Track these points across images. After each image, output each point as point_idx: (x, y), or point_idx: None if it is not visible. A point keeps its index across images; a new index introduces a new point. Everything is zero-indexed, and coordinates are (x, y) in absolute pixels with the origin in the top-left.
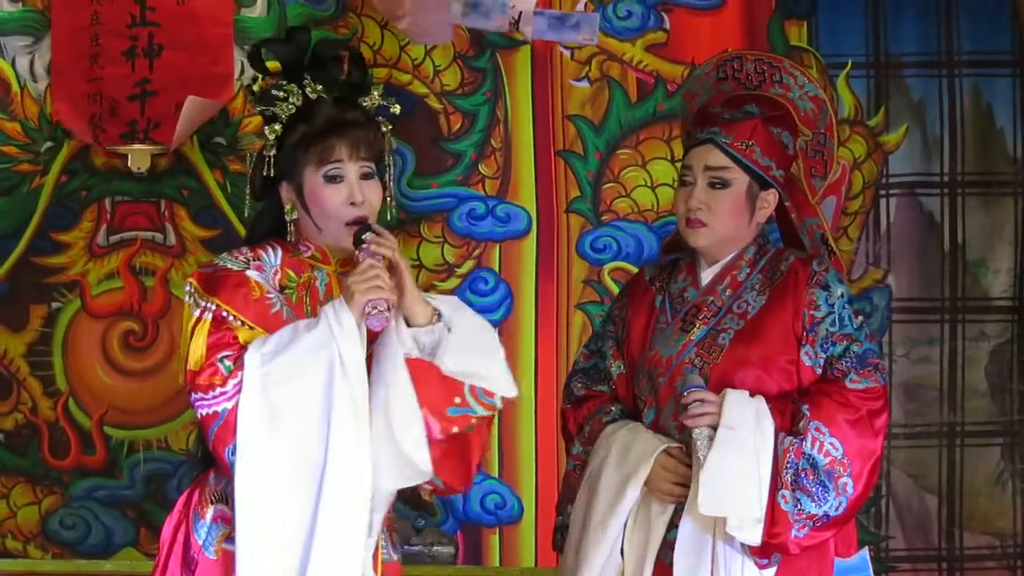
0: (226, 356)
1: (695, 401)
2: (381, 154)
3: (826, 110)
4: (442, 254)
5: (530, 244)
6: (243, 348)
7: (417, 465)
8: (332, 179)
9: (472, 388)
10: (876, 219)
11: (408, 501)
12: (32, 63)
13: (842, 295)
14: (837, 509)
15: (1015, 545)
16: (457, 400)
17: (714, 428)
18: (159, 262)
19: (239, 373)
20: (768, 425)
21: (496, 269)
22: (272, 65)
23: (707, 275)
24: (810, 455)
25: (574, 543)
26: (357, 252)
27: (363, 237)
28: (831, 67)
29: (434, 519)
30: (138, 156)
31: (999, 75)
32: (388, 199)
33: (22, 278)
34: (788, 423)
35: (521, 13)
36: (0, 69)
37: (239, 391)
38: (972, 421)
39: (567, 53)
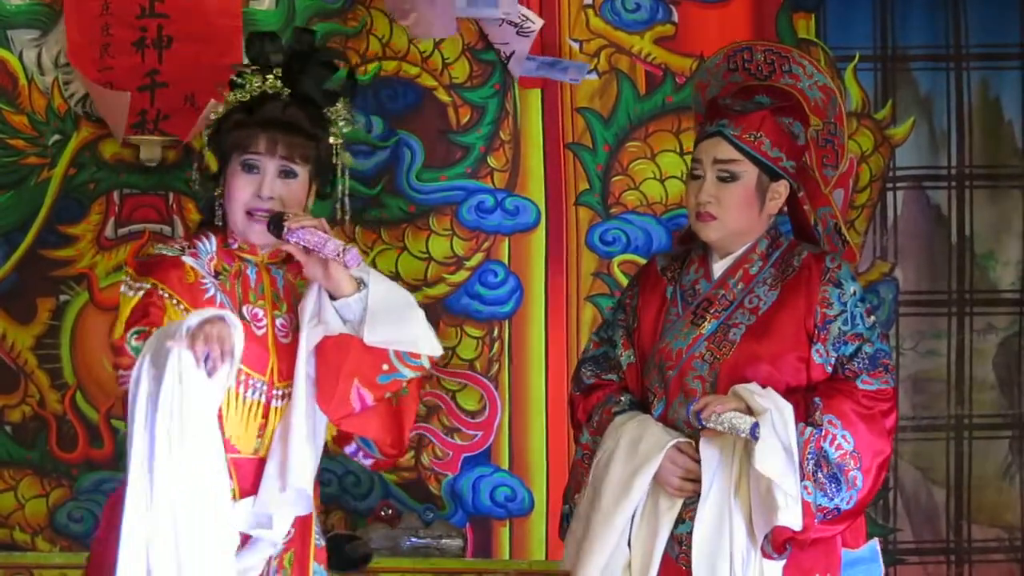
0: (135, 335)
1: (705, 405)
2: (317, 162)
3: (835, 99)
4: (451, 247)
5: (539, 237)
6: (136, 326)
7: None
8: (248, 168)
9: (397, 353)
10: (883, 212)
11: (415, 494)
12: (39, 56)
13: (855, 293)
14: (848, 503)
15: (1023, 538)
16: (385, 367)
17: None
18: None
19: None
20: (789, 414)
21: (506, 262)
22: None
23: (719, 268)
24: (823, 447)
25: (577, 534)
26: (282, 239)
27: (283, 223)
28: (839, 60)
29: (443, 512)
30: (148, 147)
31: (1007, 68)
32: (339, 210)
33: (30, 271)
34: (803, 414)
35: (514, 52)
36: (7, 62)
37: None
38: (980, 414)
39: (576, 45)
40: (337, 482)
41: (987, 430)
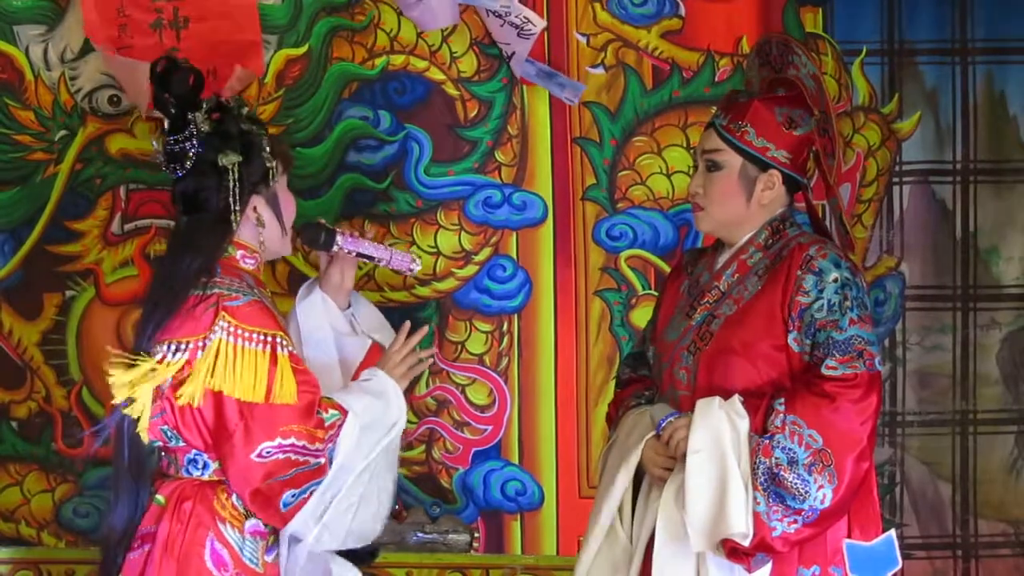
0: (319, 407)
1: (669, 436)
2: None
3: (821, 87)
4: (459, 241)
5: (547, 232)
6: (317, 394)
7: None
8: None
9: None
10: (890, 207)
11: (426, 488)
12: (46, 52)
13: (835, 280)
14: (823, 502)
15: None
16: None
17: None
18: None
19: (330, 433)
20: (744, 427)
21: (514, 256)
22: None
23: (721, 260)
24: (790, 449)
25: None
26: (329, 248)
27: (334, 232)
28: (846, 54)
29: (454, 506)
30: None
31: (1012, 63)
32: None
33: (36, 266)
34: (760, 422)
35: (515, 53)
36: (14, 58)
37: (325, 448)
38: (985, 409)
39: (583, 40)
40: None
41: (992, 425)
